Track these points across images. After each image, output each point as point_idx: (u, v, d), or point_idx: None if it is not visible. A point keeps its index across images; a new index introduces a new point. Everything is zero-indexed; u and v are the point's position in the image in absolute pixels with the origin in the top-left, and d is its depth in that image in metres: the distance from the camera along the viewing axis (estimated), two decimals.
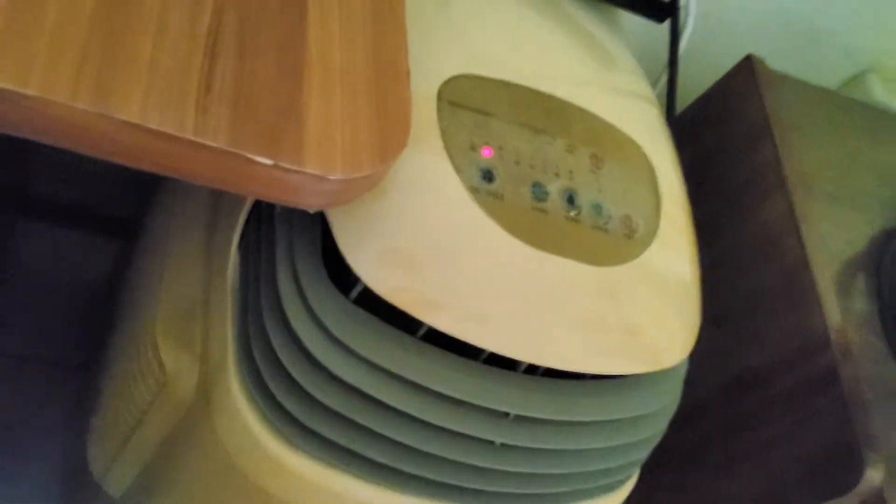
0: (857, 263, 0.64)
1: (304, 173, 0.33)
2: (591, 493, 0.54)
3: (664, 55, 0.70)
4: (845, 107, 0.77)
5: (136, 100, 0.31)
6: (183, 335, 0.52)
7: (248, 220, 0.50)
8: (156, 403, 0.53)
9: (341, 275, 0.45)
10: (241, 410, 0.47)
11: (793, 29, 0.88)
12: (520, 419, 0.48)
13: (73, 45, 0.30)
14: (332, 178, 0.34)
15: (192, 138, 0.31)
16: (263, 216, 0.49)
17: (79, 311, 0.99)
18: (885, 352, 0.61)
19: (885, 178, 0.74)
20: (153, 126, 0.31)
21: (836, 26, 0.88)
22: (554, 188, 0.49)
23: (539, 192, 0.48)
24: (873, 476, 0.53)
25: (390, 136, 0.36)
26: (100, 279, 0.99)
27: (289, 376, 0.45)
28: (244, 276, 0.49)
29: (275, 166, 0.33)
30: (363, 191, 0.37)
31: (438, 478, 0.48)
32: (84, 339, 0.95)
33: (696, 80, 0.78)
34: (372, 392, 0.45)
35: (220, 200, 0.56)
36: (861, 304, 0.62)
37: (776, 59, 0.75)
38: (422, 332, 0.46)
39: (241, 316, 0.48)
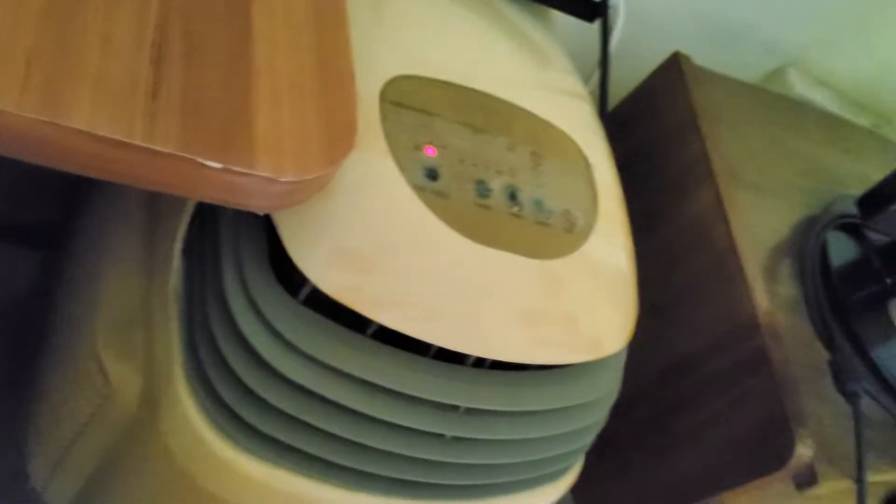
0: (783, 249, 0.67)
1: (254, 175, 0.33)
2: (538, 481, 0.56)
3: (595, 54, 0.72)
4: (767, 100, 0.80)
5: (85, 107, 0.30)
6: (125, 345, 0.51)
7: (191, 223, 0.50)
8: (98, 415, 0.53)
9: (289, 276, 0.46)
10: (189, 416, 0.47)
11: (716, 26, 0.91)
12: (469, 412, 0.49)
13: (19, 53, 0.30)
14: (282, 179, 0.34)
15: (142, 144, 0.31)
16: (207, 219, 0.49)
17: (4, 324, 0.95)
18: (810, 333, 0.64)
19: (806, 167, 0.78)
20: (103, 133, 0.30)
21: (756, 23, 0.92)
22: (496, 185, 0.50)
23: (482, 190, 0.49)
24: (803, 451, 0.55)
25: (338, 139, 0.37)
26: (25, 290, 0.96)
27: (238, 379, 0.45)
28: (188, 279, 0.49)
29: (224, 169, 0.33)
30: (312, 192, 0.37)
31: (390, 474, 0.49)
32: (13, 354, 0.92)
33: (626, 77, 0.80)
34: (322, 391, 0.45)
35: (156, 202, 0.55)
36: (787, 288, 0.65)
37: (701, 55, 0.77)
38: (371, 330, 0.46)
39: (187, 320, 0.48)
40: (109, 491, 0.57)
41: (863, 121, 1.01)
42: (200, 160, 0.32)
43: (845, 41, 0.99)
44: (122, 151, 0.31)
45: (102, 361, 0.51)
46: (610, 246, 0.54)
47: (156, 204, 0.54)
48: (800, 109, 0.85)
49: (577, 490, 0.60)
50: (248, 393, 0.45)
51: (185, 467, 0.48)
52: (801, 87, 0.99)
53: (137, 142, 0.31)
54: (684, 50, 0.75)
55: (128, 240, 0.56)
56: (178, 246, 0.50)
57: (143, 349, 0.51)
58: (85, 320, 0.56)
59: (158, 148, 0.31)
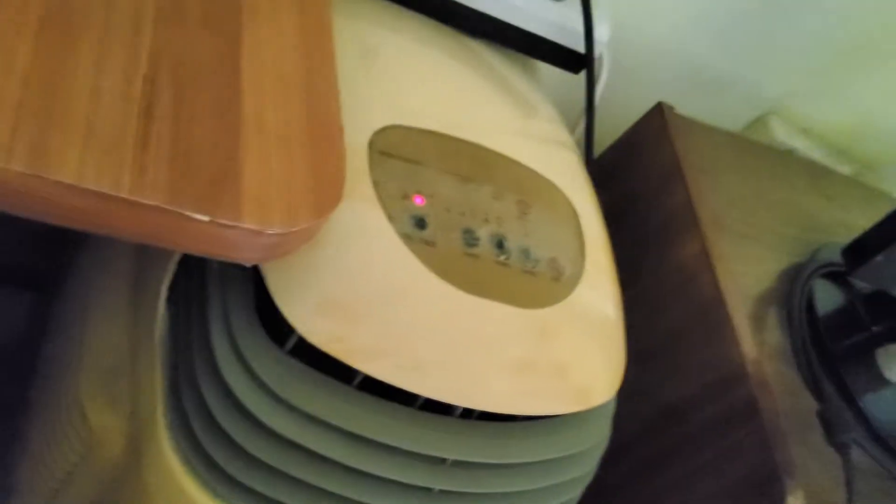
0: (768, 298, 0.68)
1: (241, 228, 0.33)
2: None
3: (579, 103, 0.73)
4: (750, 149, 0.81)
5: (73, 160, 0.30)
6: (110, 394, 0.50)
7: (176, 272, 0.49)
8: (82, 464, 0.52)
9: (275, 325, 0.45)
10: (172, 468, 0.46)
11: (698, 76, 0.93)
12: (457, 464, 0.49)
13: (7, 106, 0.30)
14: (269, 232, 0.34)
15: (128, 197, 0.31)
16: (193, 268, 0.48)
17: None
18: (797, 382, 0.64)
19: (789, 215, 0.78)
20: (90, 186, 0.30)
21: (738, 72, 0.94)
22: (484, 234, 0.50)
23: (469, 238, 0.49)
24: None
25: (326, 190, 0.37)
26: (14, 332, 0.95)
27: (222, 431, 0.45)
28: (174, 328, 0.48)
29: (211, 222, 0.33)
30: (300, 244, 0.37)
31: None
32: (5, 399, 0.91)
33: (610, 125, 0.81)
34: (308, 444, 0.45)
35: (144, 251, 0.55)
36: (774, 336, 0.65)
37: (683, 105, 0.78)
38: (357, 380, 0.46)
39: (171, 368, 0.47)
40: None
41: (845, 168, 1.02)
42: (188, 213, 0.32)
43: (827, 90, 1.00)
44: (108, 204, 0.31)
45: (86, 410, 0.50)
46: (598, 295, 0.54)
47: (143, 251, 0.54)
48: (782, 158, 0.86)
49: None
50: (231, 443, 0.45)
51: None
52: (783, 134, 1.00)
53: (124, 195, 0.31)
54: (667, 99, 0.76)
55: (114, 286, 0.56)
56: (163, 293, 0.49)
57: (128, 398, 0.51)
58: (70, 367, 0.55)
59: (146, 201, 0.31)
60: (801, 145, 1.01)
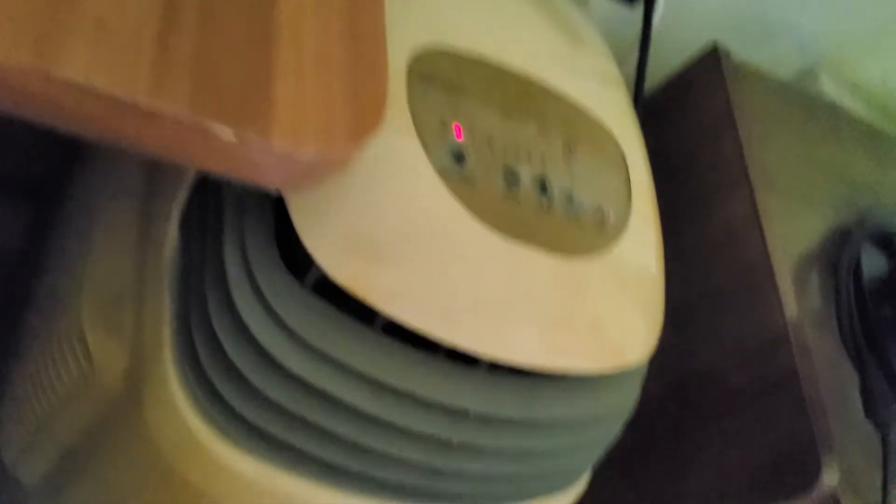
0: (814, 262, 0.64)
1: (270, 150, 0.29)
2: (543, 493, 0.52)
3: (627, 38, 0.68)
4: (804, 103, 0.76)
5: (81, 57, 0.26)
6: (112, 321, 0.47)
7: (190, 194, 0.46)
8: (77, 393, 0.49)
9: (295, 258, 0.42)
10: (177, 404, 0.43)
11: (752, 18, 0.87)
12: (480, 417, 0.45)
13: None
14: (301, 156, 0.30)
15: (144, 104, 0.27)
16: (210, 190, 0.44)
17: None
18: (838, 352, 0.61)
19: (839, 176, 0.74)
20: (100, 88, 0.26)
21: (794, 19, 0.88)
22: (526, 174, 0.46)
23: (511, 179, 0.45)
24: (829, 479, 0.52)
25: (365, 114, 0.33)
26: (10, 246, 0.92)
27: (233, 367, 0.41)
28: (185, 255, 0.45)
29: (238, 140, 0.29)
30: (332, 171, 0.33)
31: (391, 477, 0.45)
32: None
33: (655, 64, 0.76)
34: (324, 385, 0.42)
35: (155, 167, 0.51)
36: (817, 303, 0.62)
37: (733, 47, 0.73)
38: (380, 323, 0.43)
39: (181, 300, 0.44)
40: (84, 472, 0.53)
41: (893, 130, 0.97)
42: (211, 127, 0.28)
43: (882, 46, 0.95)
44: (121, 111, 0.27)
45: (86, 336, 0.47)
46: (641, 248, 0.50)
47: (154, 167, 0.50)
48: (833, 114, 0.81)
49: (580, 501, 0.57)
50: (243, 382, 0.42)
51: (169, 458, 0.44)
52: (832, 90, 0.95)
53: (141, 101, 0.27)
54: (718, 40, 0.71)
55: (121, 205, 0.52)
56: (175, 216, 0.45)
57: (131, 326, 0.47)
58: (71, 290, 0.52)
59: (165, 110, 0.27)
60: (850, 103, 0.96)
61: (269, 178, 0.32)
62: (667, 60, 0.75)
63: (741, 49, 0.74)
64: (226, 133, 0.28)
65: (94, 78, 0.27)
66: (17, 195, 0.91)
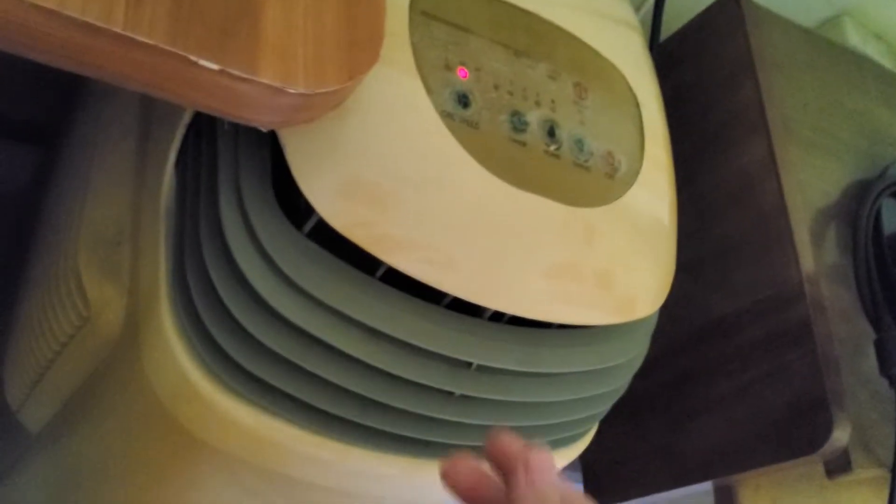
0: (832, 214, 0.62)
1: (257, 83, 0.28)
2: (551, 446, 0.52)
3: None
4: (826, 50, 0.73)
5: None
6: (109, 265, 0.46)
7: (186, 135, 0.44)
8: (77, 338, 0.48)
9: (292, 204, 0.40)
10: (173, 349, 0.42)
11: None
12: (482, 369, 0.44)
13: None
14: (291, 91, 0.29)
15: (122, 31, 0.25)
16: (205, 131, 0.43)
17: None
18: (854, 307, 0.59)
19: (861, 126, 0.71)
20: (74, 14, 0.25)
21: None
22: (534, 118, 0.44)
23: (518, 122, 0.43)
24: (840, 436, 0.51)
25: (361, 48, 0.31)
26: (16, 190, 0.91)
27: (229, 314, 0.40)
28: (181, 199, 0.44)
29: (222, 72, 0.27)
30: (326, 109, 0.31)
31: (390, 429, 0.44)
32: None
33: (673, 8, 0.73)
34: (322, 335, 0.40)
35: (152, 109, 0.50)
36: (834, 256, 0.60)
37: None
38: (380, 272, 0.41)
39: (177, 245, 0.43)
40: (85, 418, 0.52)
41: None
42: (192, 57, 0.26)
43: None
44: (97, 39, 0.26)
45: (83, 281, 0.46)
46: (653, 197, 0.49)
47: (150, 108, 0.48)
48: (857, 63, 0.78)
49: (585, 451, 0.56)
50: (240, 330, 0.40)
51: (166, 404, 0.43)
52: (856, 38, 0.92)
53: (117, 29, 0.25)
54: None
55: (119, 147, 0.51)
56: (171, 158, 0.44)
57: (128, 271, 0.46)
58: (68, 233, 0.50)
59: (141, 38, 0.25)
60: (874, 51, 0.93)
61: (257, 116, 0.30)
62: (683, 7, 0.72)
63: None
64: (208, 65, 0.27)
65: (67, 3, 0.25)
66: (22, 139, 0.90)
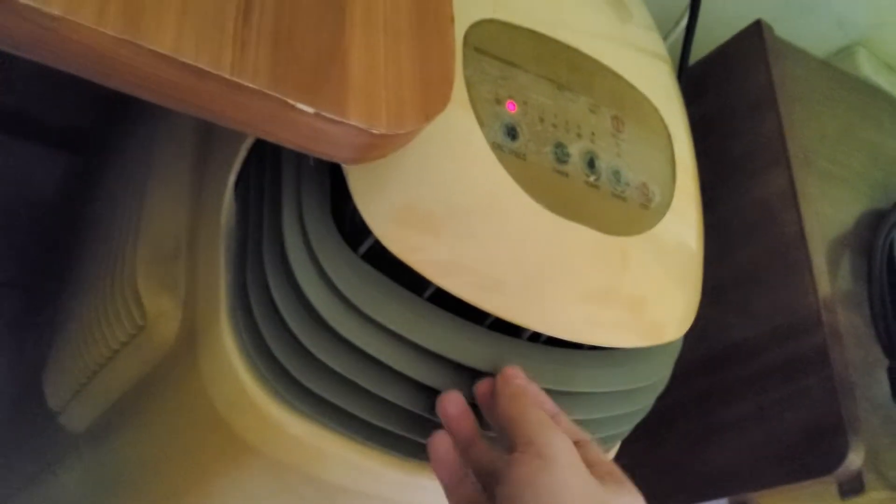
0: (848, 244, 0.64)
1: (346, 125, 0.30)
2: None
3: (669, 10, 0.68)
4: (843, 81, 0.76)
5: (170, 28, 0.27)
6: (166, 277, 0.48)
7: (247, 158, 0.46)
8: (130, 345, 0.50)
9: (349, 227, 0.43)
10: (232, 362, 0.44)
11: None
12: None
13: None
14: (374, 132, 0.31)
15: (230, 77, 0.28)
16: (267, 155, 0.45)
17: (25, 228, 0.92)
18: (867, 334, 0.61)
19: (876, 157, 0.74)
20: (188, 60, 0.27)
21: None
22: (576, 150, 0.46)
23: (561, 154, 0.46)
24: (855, 459, 0.53)
25: (434, 88, 0.33)
26: (49, 195, 0.93)
27: (288, 330, 0.43)
28: (242, 219, 0.46)
29: (317, 115, 0.29)
30: (399, 147, 0.34)
31: None
32: (31, 259, 0.89)
33: (699, 40, 0.75)
34: (376, 353, 0.43)
35: (211, 128, 0.52)
36: (850, 285, 0.62)
37: (772, 22, 0.73)
38: (428, 292, 0.44)
39: (238, 263, 0.45)
40: (132, 423, 0.54)
41: None
42: (291, 101, 0.29)
43: None
44: (206, 83, 0.28)
45: (140, 292, 0.48)
46: (684, 226, 0.51)
47: (211, 128, 0.51)
48: (872, 94, 0.81)
49: None
50: (297, 344, 0.43)
51: (221, 412, 0.46)
52: (868, 69, 0.94)
53: (226, 74, 0.28)
54: (752, 16, 0.71)
55: (177, 163, 0.53)
56: (231, 179, 0.46)
57: (185, 284, 0.49)
58: (125, 244, 0.53)
59: (248, 83, 0.28)
60: (885, 81, 0.95)
61: (339, 153, 0.32)
62: (707, 37, 0.75)
63: (778, 25, 0.74)
64: (306, 108, 0.29)
65: (182, 50, 0.27)
66: (59, 146, 0.92)
